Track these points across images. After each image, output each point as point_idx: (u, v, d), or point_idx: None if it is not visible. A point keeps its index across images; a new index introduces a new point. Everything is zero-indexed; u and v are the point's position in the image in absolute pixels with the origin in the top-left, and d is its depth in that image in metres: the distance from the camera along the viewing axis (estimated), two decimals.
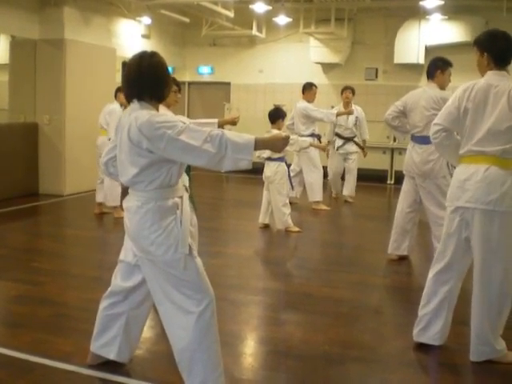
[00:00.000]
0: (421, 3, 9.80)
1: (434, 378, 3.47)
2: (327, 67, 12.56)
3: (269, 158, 7.08)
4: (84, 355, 3.37)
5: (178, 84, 4.49)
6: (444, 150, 3.80)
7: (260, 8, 10.61)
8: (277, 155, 6.89)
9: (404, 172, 5.80)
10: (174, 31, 13.02)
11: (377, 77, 12.31)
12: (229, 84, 13.51)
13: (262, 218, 7.36)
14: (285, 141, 2.82)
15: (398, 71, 11.91)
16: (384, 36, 11.98)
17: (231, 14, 11.04)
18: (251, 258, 6.23)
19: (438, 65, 5.50)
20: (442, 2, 9.61)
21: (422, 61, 11.06)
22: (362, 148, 9.52)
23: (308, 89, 8.74)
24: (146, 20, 11.26)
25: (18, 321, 4.14)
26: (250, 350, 3.87)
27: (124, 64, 2.85)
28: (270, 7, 10.69)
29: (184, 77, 13.63)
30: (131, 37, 11.20)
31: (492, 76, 3.51)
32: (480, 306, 3.47)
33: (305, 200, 8.84)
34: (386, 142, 11.72)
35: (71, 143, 9.37)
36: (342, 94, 9.46)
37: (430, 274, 3.70)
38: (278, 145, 2.86)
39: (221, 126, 4.69)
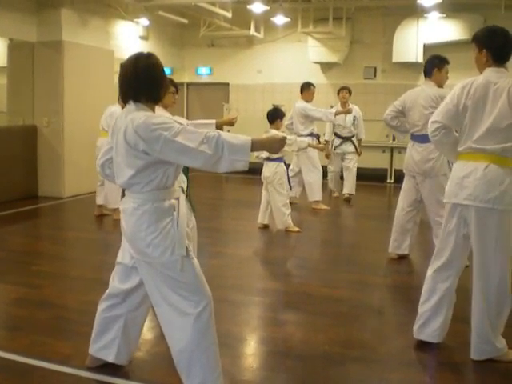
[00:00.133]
0: (419, 1, 9.78)
1: (435, 377, 3.46)
2: (326, 67, 12.55)
3: (267, 159, 7.07)
4: (83, 358, 3.37)
5: (176, 85, 4.48)
6: (443, 148, 3.78)
7: (258, 8, 10.59)
8: (275, 155, 6.89)
9: (404, 171, 5.79)
10: (172, 32, 13.02)
11: (375, 76, 12.31)
12: (227, 84, 13.52)
13: (261, 218, 7.35)
14: (281, 142, 2.81)
15: (396, 70, 11.90)
16: (382, 35, 11.97)
17: (229, 15, 11.03)
18: (251, 258, 6.22)
19: (434, 63, 5.49)
20: (440, 1, 9.59)
21: (420, 59, 11.03)
22: (356, 150, 9.55)
23: (306, 89, 8.75)
24: (144, 21, 11.26)
25: (16, 324, 4.13)
26: (250, 350, 3.86)
27: (121, 65, 2.84)
28: (268, 7, 10.68)
29: (183, 78, 13.64)
30: (129, 38, 11.20)
31: (491, 73, 3.49)
32: (480, 304, 3.46)
33: (304, 200, 8.84)
34: (386, 141, 11.71)
35: (70, 145, 9.37)
36: (338, 94, 9.52)
37: (429, 271, 3.69)
38: (274, 146, 2.86)
39: (219, 126, 4.68)
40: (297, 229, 7.16)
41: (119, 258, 3.20)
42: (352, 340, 3.91)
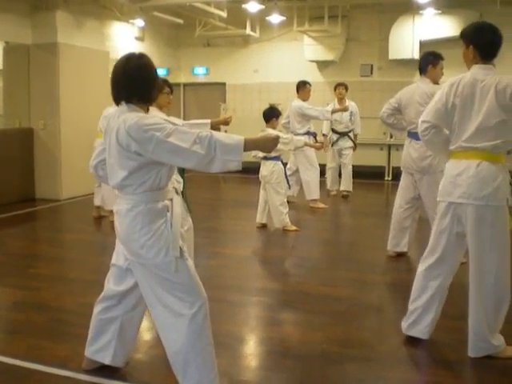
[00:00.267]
0: None
1: (433, 375, 3.44)
2: (322, 65, 12.54)
3: (265, 158, 7.06)
4: (81, 360, 3.35)
5: (170, 85, 4.48)
6: (434, 147, 3.78)
7: (253, 7, 10.58)
8: (273, 154, 6.89)
9: (402, 168, 5.78)
10: (168, 33, 13.00)
11: (372, 73, 12.31)
12: (224, 84, 13.50)
13: (259, 218, 7.34)
14: (274, 141, 2.80)
15: (392, 67, 11.90)
16: (378, 32, 11.96)
17: (224, 14, 11.02)
18: (249, 258, 6.21)
19: (429, 59, 5.48)
20: None
21: (416, 56, 11.00)
22: (354, 144, 9.65)
23: (302, 87, 8.75)
24: (140, 22, 11.24)
25: (14, 327, 4.12)
26: (249, 350, 3.85)
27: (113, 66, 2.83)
28: (263, 6, 10.66)
29: (179, 78, 13.62)
30: (125, 39, 11.18)
31: (478, 70, 3.47)
32: (476, 301, 3.45)
33: (302, 198, 8.83)
34: (383, 139, 11.70)
35: (67, 147, 9.35)
36: (335, 90, 9.60)
37: (420, 268, 3.70)
38: (267, 145, 2.84)
39: (214, 126, 4.67)
40: (294, 228, 7.15)
41: (114, 260, 3.19)
42: (350, 339, 3.90)
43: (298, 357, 3.61)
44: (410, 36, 11.20)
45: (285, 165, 7.38)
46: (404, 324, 3.80)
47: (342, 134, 9.54)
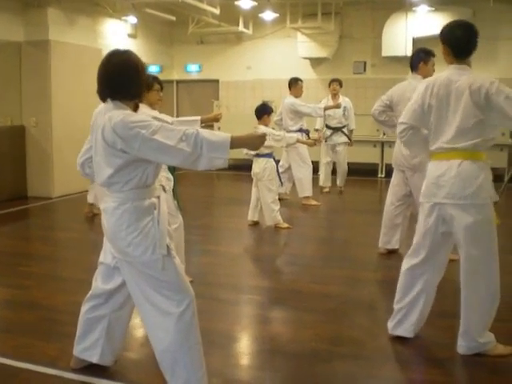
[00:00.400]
0: None
1: (423, 373, 3.44)
2: (315, 62, 12.54)
3: (257, 155, 7.04)
4: (70, 359, 3.34)
5: (160, 82, 4.45)
6: (413, 146, 3.81)
7: (246, 4, 10.57)
8: (265, 151, 6.89)
9: (393, 165, 5.78)
10: (161, 30, 12.96)
11: (365, 70, 12.32)
12: (217, 81, 13.49)
13: (251, 215, 7.33)
14: (261, 138, 2.79)
15: (386, 64, 11.90)
16: (371, 29, 11.97)
17: (217, 11, 10.98)
18: (241, 255, 6.20)
19: (420, 56, 5.47)
20: None
21: (409, 53, 10.94)
22: (349, 139, 9.70)
23: (294, 84, 8.73)
24: (132, 19, 11.20)
25: (3, 326, 4.10)
26: (239, 348, 3.84)
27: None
28: (256, 3, 10.66)
29: (172, 75, 13.60)
30: (117, 37, 11.11)
31: (453, 70, 3.45)
32: (467, 299, 3.45)
33: (294, 196, 8.82)
34: (376, 136, 11.71)
35: (59, 145, 9.31)
36: (329, 86, 9.63)
37: (405, 267, 3.70)
38: (254, 142, 2.83)
39: (204, 123, 4.65)
40: (286, 225, 7.14)
41: (101, 258, 3.18)
42: (341, 336, 3.90)
43: (288, 355, 3.60)
44: (403, 33, 11.21)
45: (277, 162, 7.37)
46: (390, 324, 3.80)
47: (336, 129, 9.57)
